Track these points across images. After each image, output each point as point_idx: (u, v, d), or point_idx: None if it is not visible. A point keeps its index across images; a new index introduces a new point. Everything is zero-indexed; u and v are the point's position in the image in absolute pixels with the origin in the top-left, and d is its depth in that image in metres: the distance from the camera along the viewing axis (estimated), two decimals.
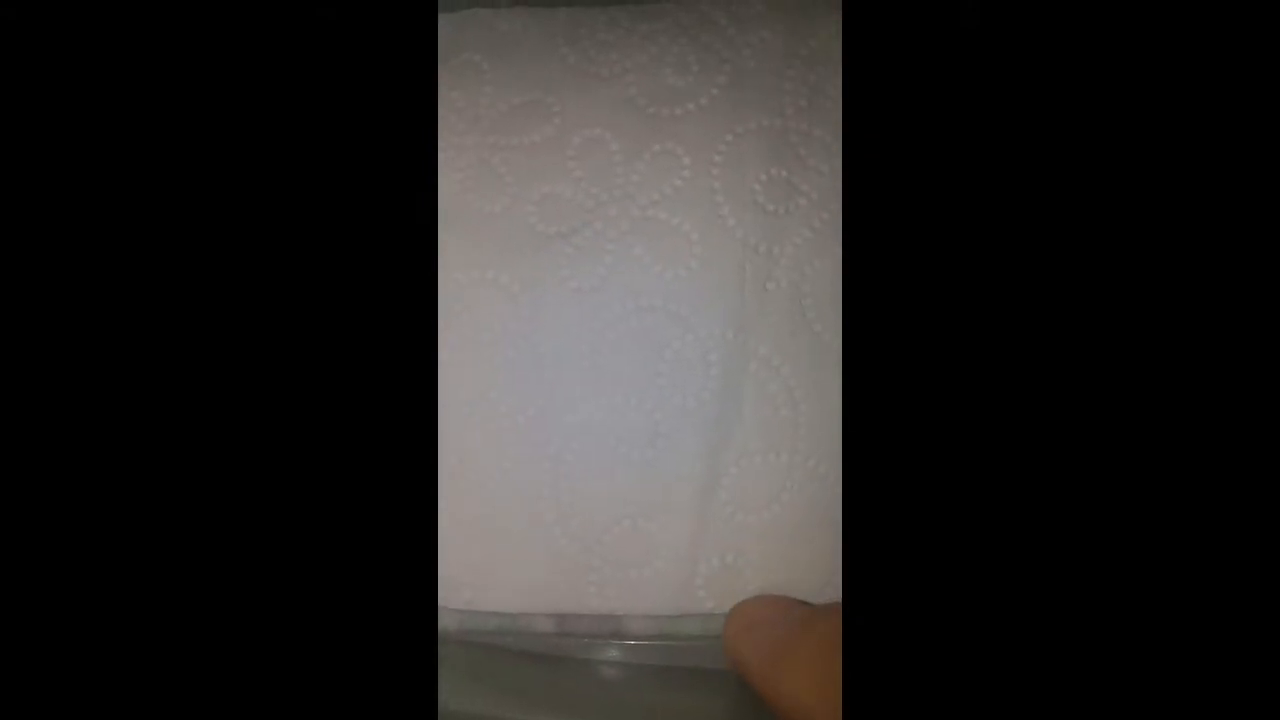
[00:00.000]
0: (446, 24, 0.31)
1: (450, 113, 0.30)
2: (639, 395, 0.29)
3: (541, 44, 0.30)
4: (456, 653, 0.30)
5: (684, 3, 0.30)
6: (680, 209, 0.29)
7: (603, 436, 0.29)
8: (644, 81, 0.30)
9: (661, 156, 0.29)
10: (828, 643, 0.22)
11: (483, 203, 0.30)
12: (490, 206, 0.30)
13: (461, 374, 0.29)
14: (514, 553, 0.30)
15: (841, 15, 0.29)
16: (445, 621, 0.30)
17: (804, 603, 0.27)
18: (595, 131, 0.30)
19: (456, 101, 0.30)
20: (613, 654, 0.30)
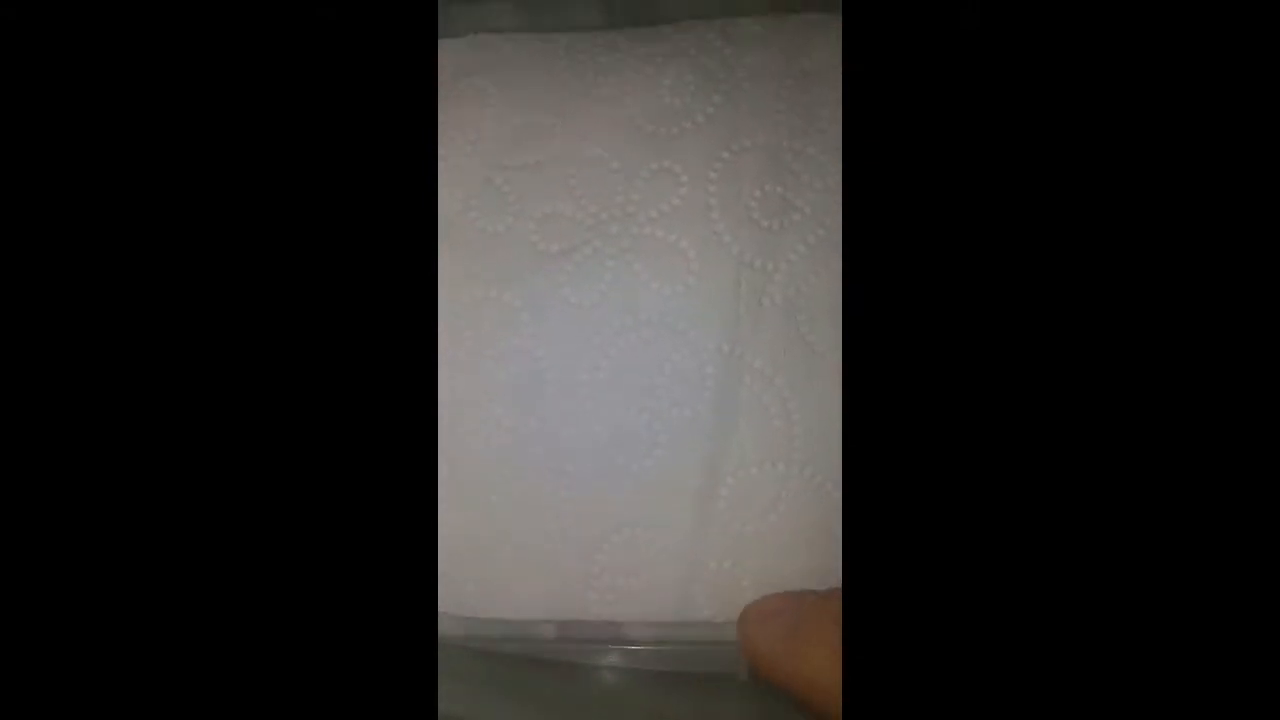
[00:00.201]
0: (452, 48, 0.32)
1: (455, 133, 0.31)
2: (638, 408, 0.30)
3: (543, 67, 0.31)
4: (459, 659, 0.30)
5: (681, 26, 0.31)
6: (678, 226, 0.30)
7: (602, 448, 0.30)
8: (643, 102, 0.31)
9: (660, 175, 0.30)
10: (839, 622, 0.23)
11: (486, 221, 0.31)
12: (493, 225, 0.31)
13: (466, 388, 0.30)
14: (516, 561, 0.30)
15: (841, 33, 0.30)
16: (449, 628, 0.31)
17: (810, 593, 0.28)
18: (595, 151, 0.31)
19: (461, 122, 0.31)
20: (613, 660, 0.30)
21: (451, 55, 0.32)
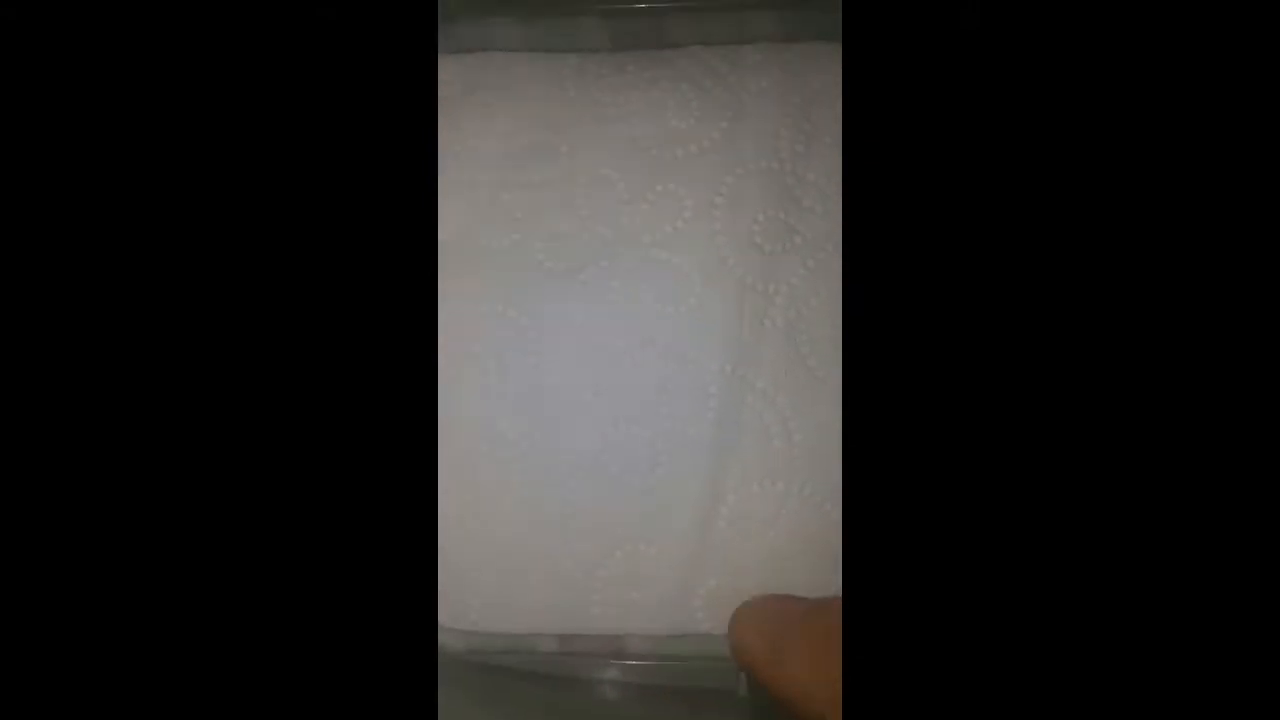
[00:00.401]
0: (460, 65, 0.32)
1: (463, 151, 0.31)
2: (641, 426, 0.30)
3: (551, 86, 0.32)
4: (462, 672, 0.31)
5: (687, 50, 0.32)
6: (682, 248, 0.30)
7: (605, 465, 0.30)
8: (648, 124, 0.31)
9: (664, 197, 0.31)
10: (823, 632, 0.24)
11: (493, 239, 0.31)
12: (500, 243, 0.31)
13: (470, 404, 0.30)
14: (519, 575, 0.31)
15: (841, 54, 0.31)
16: (451, 642, 0.31)
17: (802, 599, 0.29)
18: (602, 172, 0.31)
19: (468, 140, 0.32)
20: (614, 673, 0.31)
21: (460, 72, 0.32)
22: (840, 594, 0.24)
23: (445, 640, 0.31)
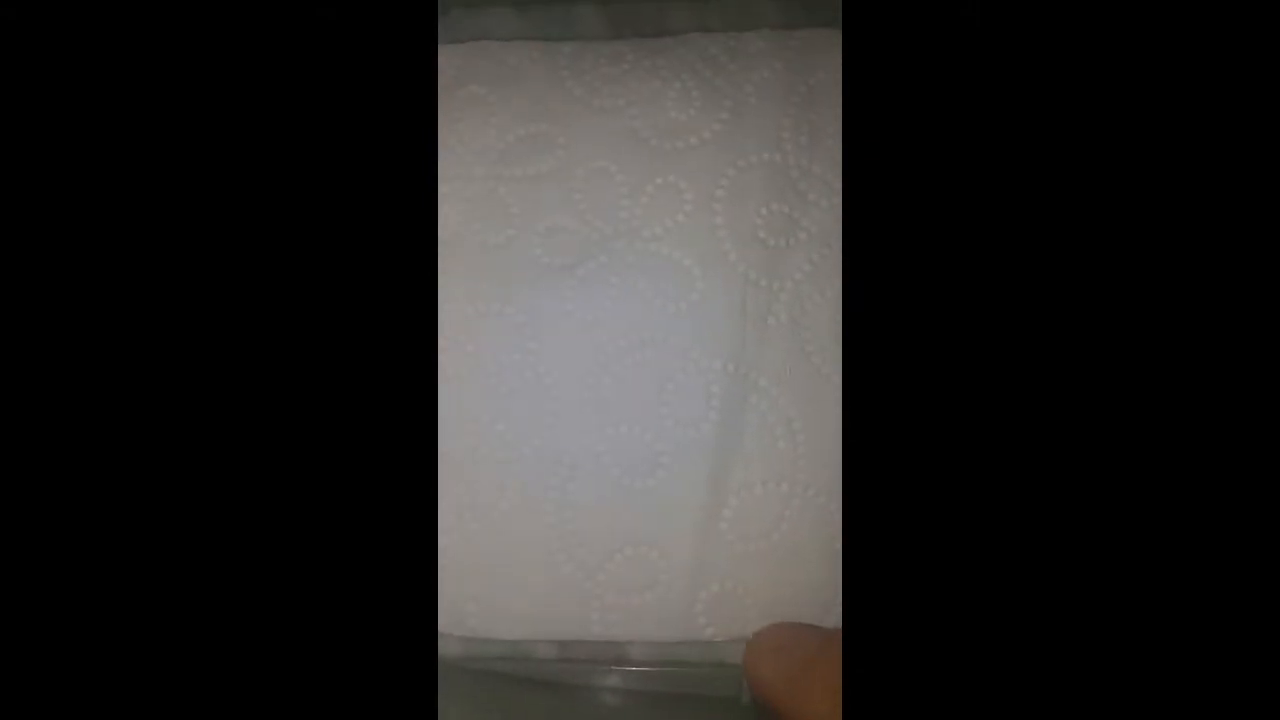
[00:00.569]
0: (453, 55, 0.31)
1: (456, 144, 0.31)
2: (641, 426, 0.29)
3: (547, 76, 0.31)
4: (460, 679, 0.30)
5: (686, 39, 0.31)
6: (683, 243, 0.30)
7: (605, 466, 0.30)
8: (648, 115, 0.30)
9: (664, 190, 0.30)
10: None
11: (488, 234, 0.30)
12: (495, 238, 0.30)
13: (468, 403, 0.30)
14: (517, 580, 0.30)
15: (841, 53, 0.30)
16: (449, 649, 0.31)
17: (819, 628, 0.28)
18: (600, 164, 0.30)
19: (462, 133, 0.31)
20: (614, 680, 0.30)
21: (453, 62, 0.31)
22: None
23: (443, 646, 0.31)
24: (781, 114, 0.30)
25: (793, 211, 0.30)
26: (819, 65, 0.30)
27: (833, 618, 0.30)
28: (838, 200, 0.30)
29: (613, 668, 0.30)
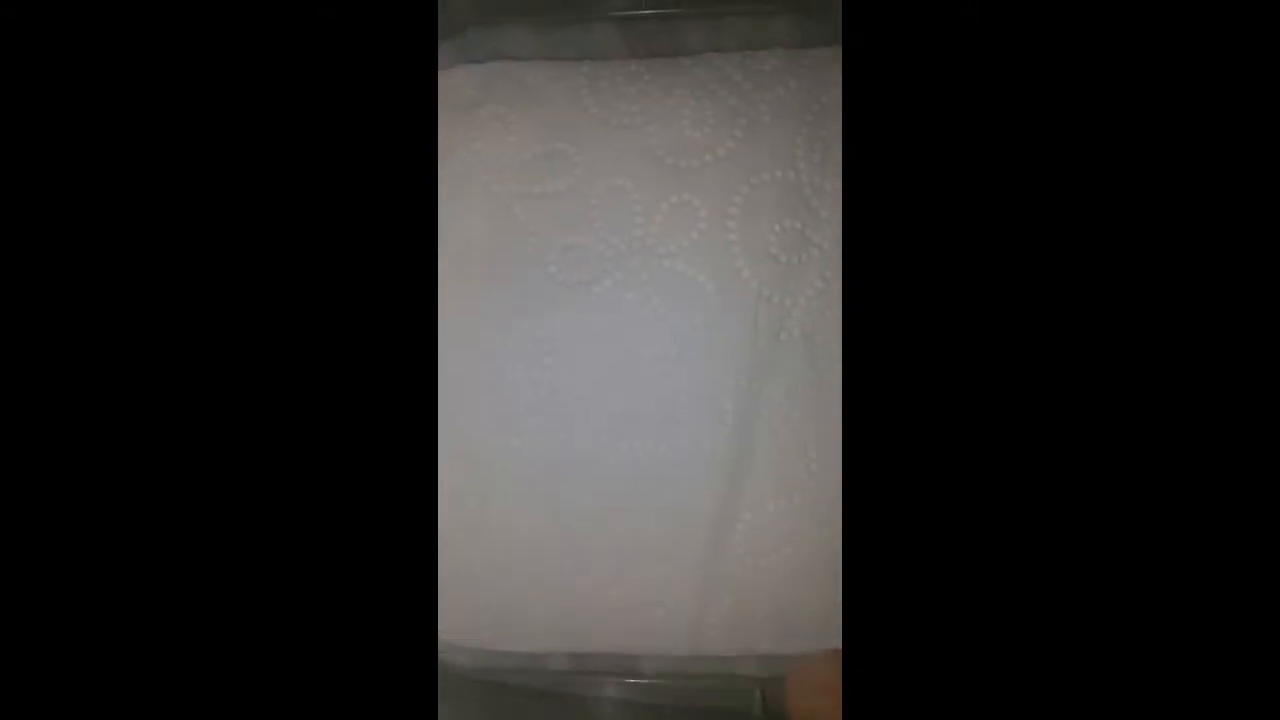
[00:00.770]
0: (471, 74, 0.32)
1: (474, 161, 0.31)
2: (655, 440, 0.30)
3: (564, 95, 0.31)
4: (473, 691, 0.30)
5: (701, 58, 0.31)
6: (697, 260, 0.30)
7: (620, 481, 0.30)
8: (663, 133, 0.31)
9: (680, 208, 0.30)
10: None
11: (506, 250, 0.31)
12: (514, 254, 0.31)
13: (484, 419, 0.30)
14: (531, 593, 0.30)
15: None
16: (461, 660, 0.31)
17: None
18: (616, 181, 0.31)
19: (480, 150, 0.31)
20: (626, 693, 0.30)
21: (471, 81, 0.32)
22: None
23: (456, 659, 0.31)
24: (795, 132, 0.30)
25: (805, 228, 0.30)
26: (831, 83, 0.30)
27: (839, 632, 0.30)
28: None
29: (624, 680, 0.30)
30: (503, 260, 0.31)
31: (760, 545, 0.30)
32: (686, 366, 0.30)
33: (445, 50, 0.31)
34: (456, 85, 0.32)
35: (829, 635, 0.30)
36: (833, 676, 0.27)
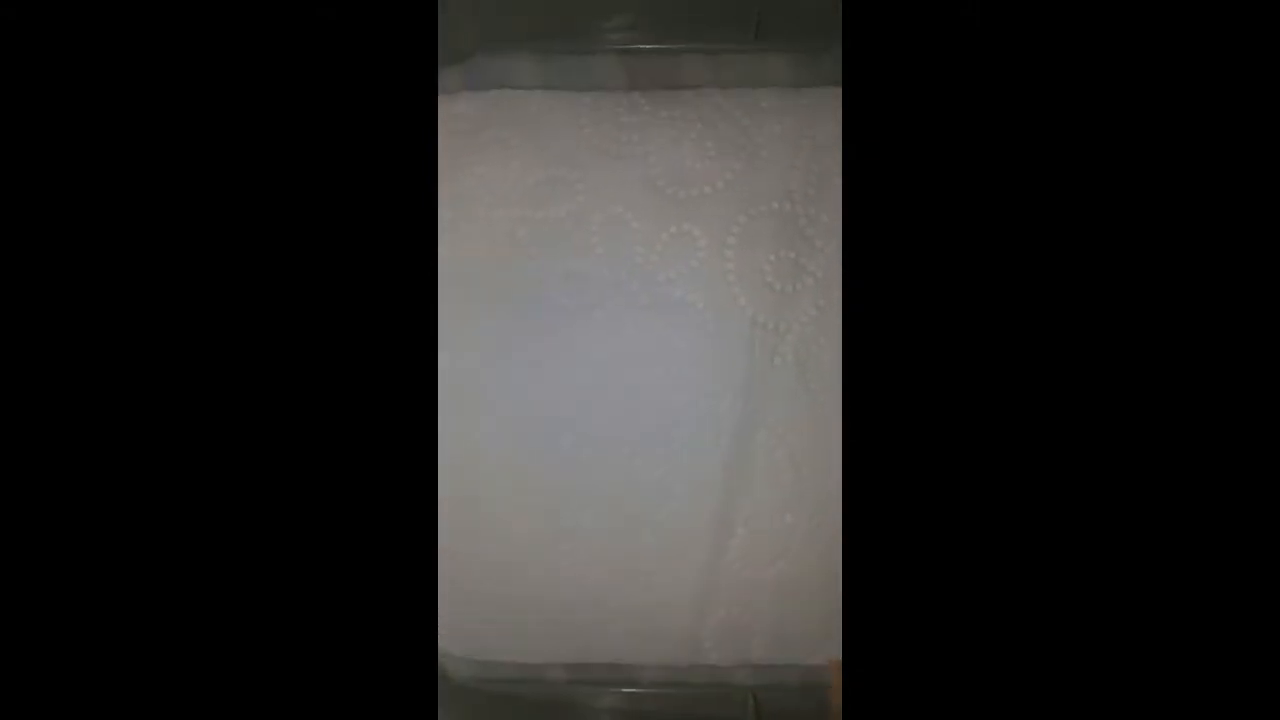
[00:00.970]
0: (475, 101, 0.32)
1: (477, 186, 0.32)
2: (653, 460, 0.31)
3: (566, 123, 0.32)
4: (472, 701, 0.31)
5: (702, 92, 0.32)
6: (695, 287, 0.31)
7: (619, 498, 0.31)
8: (664, 163, 0.32)
9: (679, 237, 0.31)
10: None
11: (507, 275, 0.31)
12: (514, 279, 0.31)
13: (486, 439, 0.31)
14: (530, 605, 0.31)
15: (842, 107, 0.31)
16: (461, 670, 0.32)
17: None
18: (616, 209, 0.31)
19: (483, 175, 0.32)
20: (623, 702, 0.32)
21: (476, 107, 0.32)
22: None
23: (455, 669, 0.32)
24: (791, 165, 0.31)
25: (800, 258, 0.31)
26: (826, 121, 0.32)
27: (833, 643, 0.32)
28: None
29: (621, 691, 0.31)
30: (503, 284, 0.31)
31: (754, 560, 0.31)
32: (684, 389, 0.31)
33: (449, 76, 0.32)
34: (459, 111, 0.32)
35: (822, 646, 0.31)
36: None
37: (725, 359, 0.31)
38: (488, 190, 0.32)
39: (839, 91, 0.32)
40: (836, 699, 0.28)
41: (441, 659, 0.32)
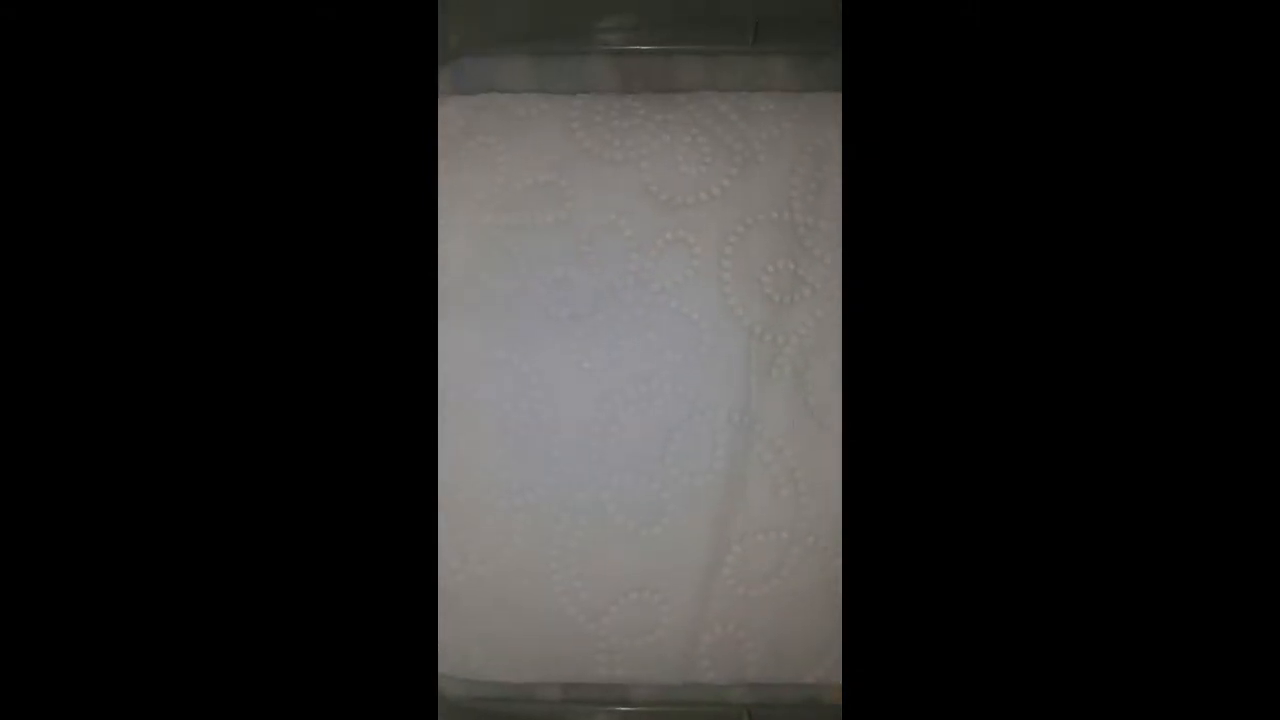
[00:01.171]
0: (462, 105, 0.31)
1: (465, 193, 0.31)
2: (647, 474, 0.30)
3: (557, 128, 0.31)
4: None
5: (697, 95, 0.31)
6: (691, 297, 0.30)
7: (611, 513, 0.30)
8: (658, 169, 0.31)
9: (674, 245, 0.30)
10: None
11: (497, 283, 0.30)
12: (503, 286, 0.30)
13: (474, 451, 0.30)
14: (522, 623, 0.31)
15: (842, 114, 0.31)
16: (454, 690, 0.31)
17: None
18: (608, 217, 0.31)
19: (470, 181, 0.31)
20: None
21: (462, 112, 0.31)
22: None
23: (447, 688, 0.31)
24: (790, 172, 0.31)
25: (798, 268, 0.30)
26: (827, 126, 0.31)
27: (830, 659, 0.31)
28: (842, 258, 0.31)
29: (615, 709, 0.31)
30: (492, 291, 0.30)
31: (750, 577, 0.31)
32: (678, 401, 0.30)
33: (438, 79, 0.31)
34: (448, 115, 0.31)
35: (819, 664, 0.31)
36: None
37: (721, 371, 0.30)
38: (474, 196, 0.31)
39: (839, 96, 0.31)
40: None
41: None
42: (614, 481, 0.30)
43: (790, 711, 0.31)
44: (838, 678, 0.31)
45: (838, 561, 0.31)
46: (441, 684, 0.31)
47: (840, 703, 0.26)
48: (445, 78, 0.31)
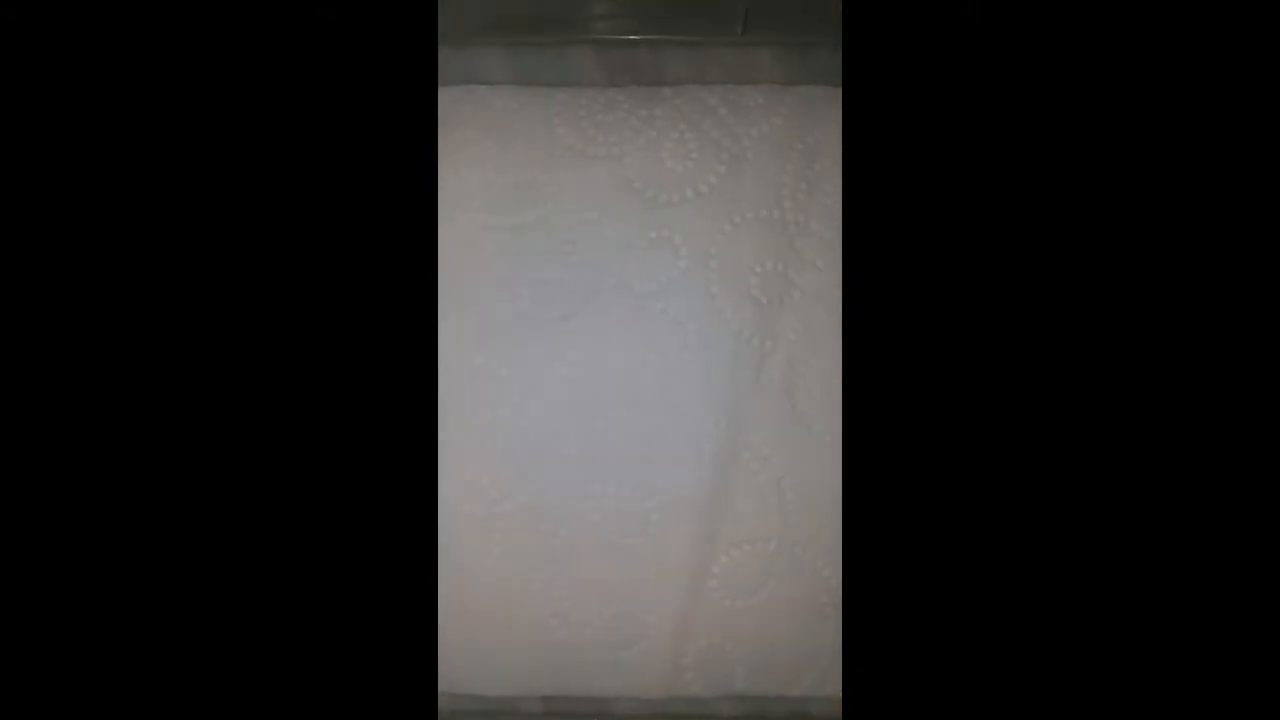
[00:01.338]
0: (440, 98, 0.30)
1: (443, 190, 0.29)
2: (631, 483, 0.29)
3: (538, 123, 0.30)
4: None
5: (684, 89, 0.30)
6: (676, 299, 0.29)
7: (595, 524, 0.29)
8: (642, 165, 0.29)
9: (658, 244, 0.29)
10: None
11: (474, 284, 0.29)
12: (482, 288, 0.29)
13: (454, 460, 0.29)
14: (504, 636, 0.30)
15: (841, 110, 0.29)
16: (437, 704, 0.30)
17: None
18: (590, 215, 0.29)
19: (447, 179, 0.30)
20: None
21: (440, 105, 0.30)
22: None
23: None
24: (780, 170, 0.29)
25: (788, 269, 0.29)
26: (818, 122, 0.29)
27: (817, 671, 0.30)
28: (834, 259, 0.29)
29: None
30: (469, 292, 0.29)
31: (736, 588, 0.30)
32: (664, 408, 0.29)
33: None
34: None
35: (806, 677, 0.30)
36: None
37: (707, 376, 0.29)
38: (452, 194, 0.30)
39: (833, 90, 0.30)
40: None
41: None
42: (596, 490, 0.29)
43: None
44: (826, 689, 0.30)
45: (826, 572, 0.30)
46: None
47: (833, 716, 0.26)
48: None
